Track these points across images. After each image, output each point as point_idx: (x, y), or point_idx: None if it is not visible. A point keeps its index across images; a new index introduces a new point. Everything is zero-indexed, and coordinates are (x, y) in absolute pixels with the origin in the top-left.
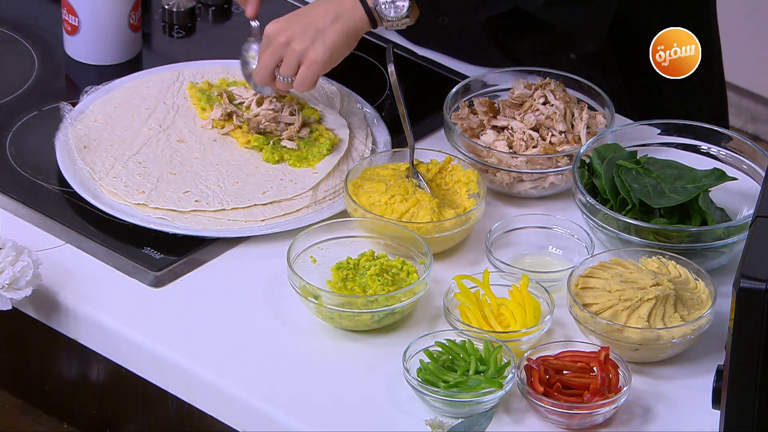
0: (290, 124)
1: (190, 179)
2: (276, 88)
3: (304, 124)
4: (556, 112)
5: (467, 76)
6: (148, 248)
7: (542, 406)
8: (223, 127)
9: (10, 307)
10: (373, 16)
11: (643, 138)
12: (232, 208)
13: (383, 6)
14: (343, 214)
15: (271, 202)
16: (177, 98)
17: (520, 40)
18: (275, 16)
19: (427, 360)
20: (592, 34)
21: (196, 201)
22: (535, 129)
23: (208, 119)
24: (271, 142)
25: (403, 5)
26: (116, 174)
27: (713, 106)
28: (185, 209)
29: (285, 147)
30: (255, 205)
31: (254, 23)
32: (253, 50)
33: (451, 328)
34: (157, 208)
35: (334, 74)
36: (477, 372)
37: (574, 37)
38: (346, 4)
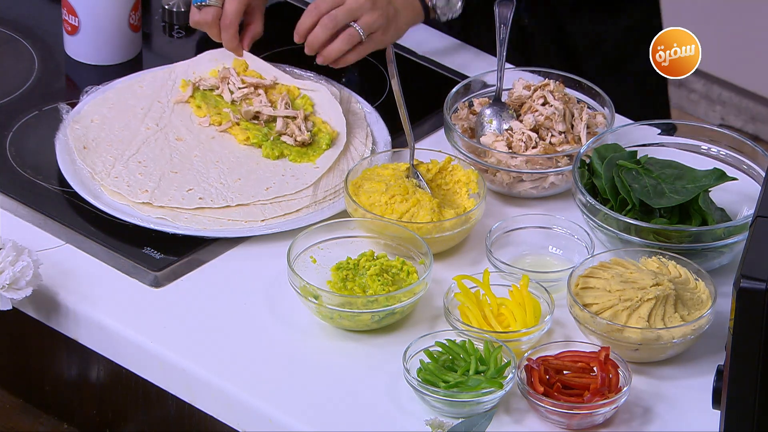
0: (292, 118)
1: (191, 177)
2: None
3: (305, 117)
4: (555, 113)
5: (467, 76)
6: (148, 248)
7: (542, 406)
8: (220, 125)
9: (10, 307)
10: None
11: (643, 138)
12: (237, 205)
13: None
14: (343, 214)
15: (272, 201)
16: (171, 96)
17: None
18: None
19: (427, 360)
20: None
21: (200, 198)
22: (535, 130)
23: (206, 117)
24: (271, 138)
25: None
26: (117, 174)
27: None
28: (190, 206)
29: (285, 143)
30: (260, 201)
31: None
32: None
33: (451, 328)
34: (162, 206)
35: (334, 74)
36: (477, 372)
37: None
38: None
